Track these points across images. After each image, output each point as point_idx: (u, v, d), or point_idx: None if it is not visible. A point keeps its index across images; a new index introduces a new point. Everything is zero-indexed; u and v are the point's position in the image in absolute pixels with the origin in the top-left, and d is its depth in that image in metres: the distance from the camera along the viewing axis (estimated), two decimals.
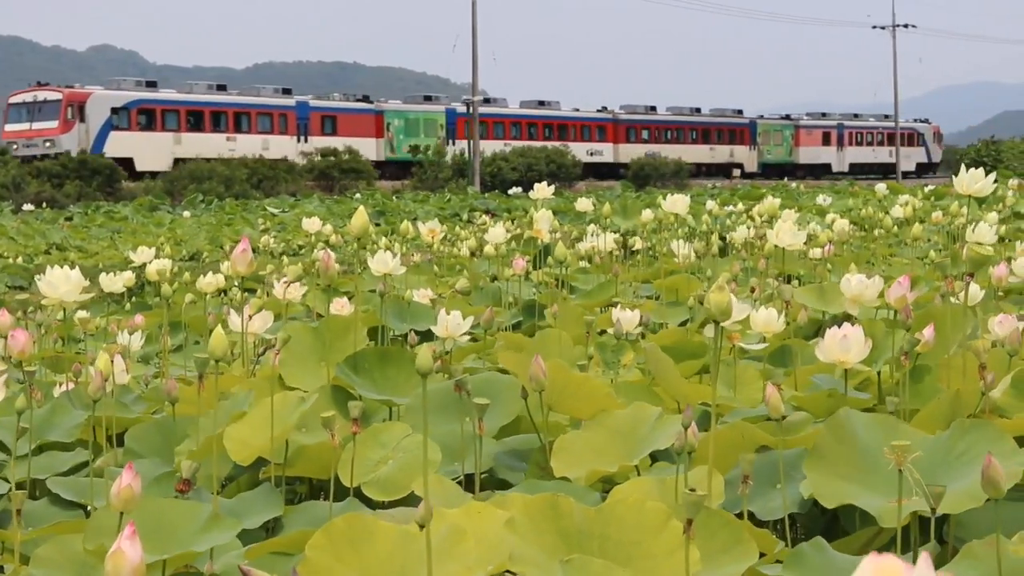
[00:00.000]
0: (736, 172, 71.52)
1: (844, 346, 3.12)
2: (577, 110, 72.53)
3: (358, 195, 44.69)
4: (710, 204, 11.13)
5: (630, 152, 68.92)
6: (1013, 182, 19.31)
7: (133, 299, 9.06)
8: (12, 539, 2.89)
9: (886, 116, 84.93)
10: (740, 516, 2.73)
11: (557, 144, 64.19)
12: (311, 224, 8.72)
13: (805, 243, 8.08)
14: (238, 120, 57.02)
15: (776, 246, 5.50)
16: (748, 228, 9.15)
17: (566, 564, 2.25)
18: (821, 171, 74.45)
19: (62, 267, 4.06)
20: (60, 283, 3.95)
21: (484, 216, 20.69)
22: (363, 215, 3.81)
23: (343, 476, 3.35)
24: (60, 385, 4.67)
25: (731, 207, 13.60)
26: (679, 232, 10.59)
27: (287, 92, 61.67)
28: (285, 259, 12.46)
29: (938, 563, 2.61)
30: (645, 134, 71.67)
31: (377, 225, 22.81)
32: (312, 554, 2.44)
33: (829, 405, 3.86)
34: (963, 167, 3.73)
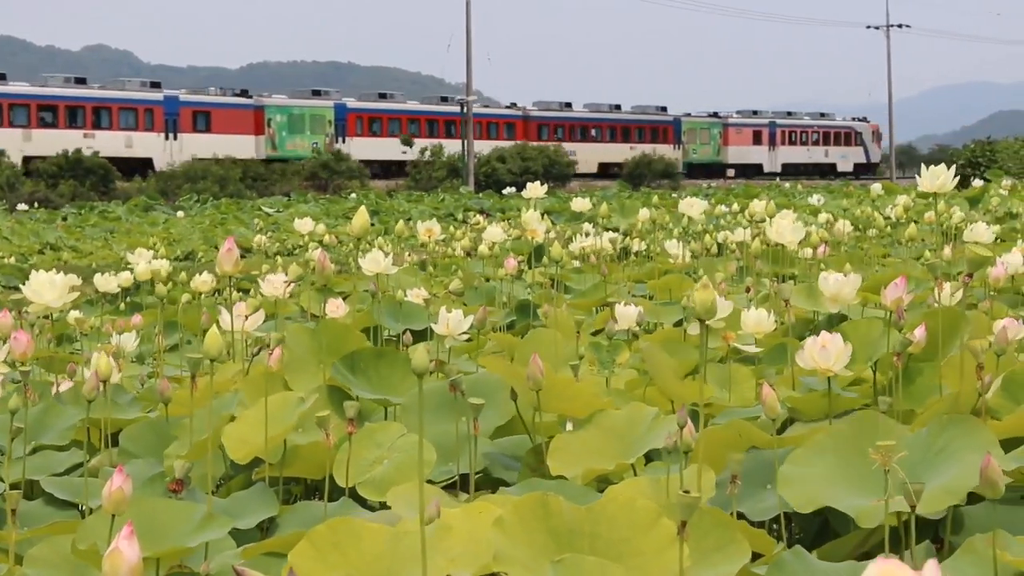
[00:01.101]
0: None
1: (824, 355, 3.13)
2: (487, 106, 69.77)
3: (352, 195, 44.66)
4: (704, 204, 11.12)
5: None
6: (1006, 182, 19.34)
7: (128, 299, 9.05)
8: (7, 539, 2.89)
9: (822, 114, 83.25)
10: (731, 516, 2.74)
11: (456, 142, 60.68)
12: (303, 225, 8.72)
13: (800, 243, 8.11)
14: (97, 115, 53.43)
15: (768, 246, 5.51)
16: (744, 228, 9.16)
17: (557, 564, 2.25)
18: (752, 171, 72.13)
19: (56, 268, 4.04)
20: (45, 289, 3.86)
21: (478, 216, 20.68)
22: (364, 215, 3.82)
23: (338, 476, 3.35)
24: (56, 385, 4.68)
25: (726, 207, 13.61)
26: (673, 232, 10.60)
27: (156, 86, 57.89)
28: (279, 259, 12.45)
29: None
30: (559, 132, 67.71)
31: (371, 225, 22.80)
32: (296, 561, 2.45)
33: (823, 405, 3.87)
34: (924, 166, 3.74)
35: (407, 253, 10.95)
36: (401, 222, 7.84)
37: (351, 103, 62.01)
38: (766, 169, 73.83)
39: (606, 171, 65.97)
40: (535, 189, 7.48)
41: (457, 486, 3.41)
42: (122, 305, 8.69)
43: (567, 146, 65.13)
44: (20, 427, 3.24)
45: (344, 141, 59.57)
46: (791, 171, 72.17)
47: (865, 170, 79.53)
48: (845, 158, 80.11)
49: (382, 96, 65.10)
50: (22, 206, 37.44)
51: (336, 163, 54.43)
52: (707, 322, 2.56)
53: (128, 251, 7.22)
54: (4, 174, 44.13)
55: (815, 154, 78.94)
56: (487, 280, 8.58)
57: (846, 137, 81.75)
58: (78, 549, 2.71)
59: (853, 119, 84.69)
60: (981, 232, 5.30)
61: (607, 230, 9.96)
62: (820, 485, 2.84)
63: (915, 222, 9.58)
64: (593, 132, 69.55)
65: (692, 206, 6.99)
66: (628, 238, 10.35)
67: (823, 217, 11.44)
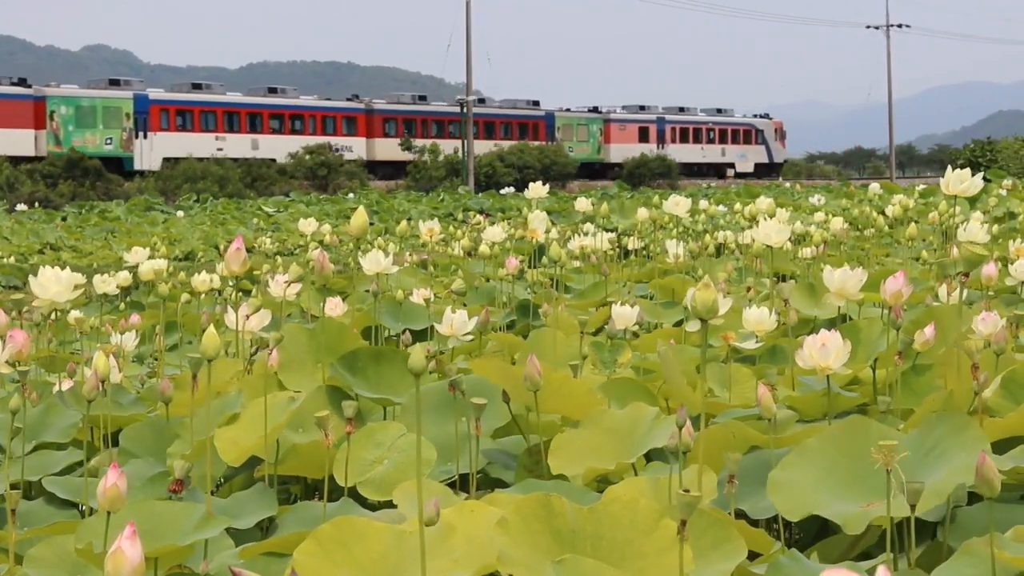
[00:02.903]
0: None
1: (824, 353, 3.13)
2: (329, 99, 63.64)
3: (351, 195, 44.65)
4: (688, 203, 11.13)
5: (389, 149, 60.17)
6: (1006, 182, 19.35)
7: (128, 299, 9.06)
8: (7, 539, 2.89)
9: (719, 110, 77.21)
10: (728, 515, 2.74)
11: (290, 137, 56.39)
12: (307, 225, 8.72)
13: (797, 243, 8.11)
14: None
15: (767, 246, 5.51)
16: (744, 228, 9.17)
17: (558, 565, 2.25)
18: None
19: (54, 267, 4.06)
20: (51, 284, 3.94)
21: (478, 216, 20.69)
22: (363, 215, 3.82)
23: (338, 476, 3.36)
24: (55, 385, 4.68)
25: (724, 207, 13.61)
26: (673, 232, 10.60)
27: None
28: (279, 259, 12.46)
29: (932, 563, 2.62)
30: (408, 127, 62.03)
31: (370, 224, 22.81)
32: (301, 559, 2.45)
33: (823, 405, 3.87)
34: (949, 168, 3.75)
35: (407, 253, 10.95)
36: (404, 222, 7.84)
37: (154, 94, 55.50)
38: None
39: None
40: (537, 189, 7.49)
41: (457, 486, 3.42)
42: (122, 305, 8.69)
43: (420, 143, 60.23)
44: (19, 427, 3.24)
45: (146, 137, 53.45)
46: (684, 171, 66.17)
47: (768, 171, 73.34)
48: (744, 158, 74.06)
49: (196, 87, 58.42)
50: (21, 206, 37.44)
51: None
52: (708, 321, 2.56)
53: (127, 251, 7.22)
54: (4, 174, 44.11)
55: (710, 153, 73.08)
56: (487, 280, 8.59)
57: (746, 135, 75.54)
58: (78, 549, 2.71)
59: (755, 116, 78.82)
60: (975, 231, 5.30)
61: (607, 230, 9.97)
62: (809, 491, 2.81)
63: (915, 222, 9.57)
64: (450, 128, 63.13)
65: (678, 205, 6.99)
66: (627, 237, 10.35)
67: (819, 216, 11.45)
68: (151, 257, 6.74)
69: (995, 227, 10.38)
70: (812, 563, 2.49)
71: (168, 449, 3.65)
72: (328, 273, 4.03)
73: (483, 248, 7.87)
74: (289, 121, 58.50)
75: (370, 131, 60.88)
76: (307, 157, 54.61)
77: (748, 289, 6.18)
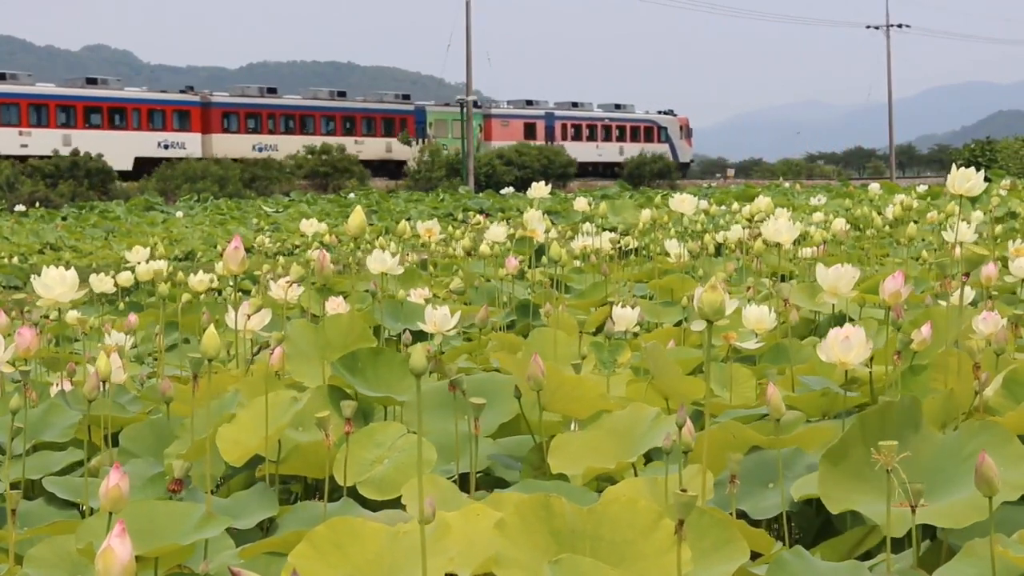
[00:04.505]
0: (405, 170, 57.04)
1: (846, 347, 3.12)
2: (164, 91, 57.07)
3: (352, 194, 44.62)
4: (695, 202, 11.13)
5: (230, 146, 54.35)
6: (1005, 182, 19.35)
7: (128, 298, 9.06)
8: (7, 539, 2.89)
9: (617, 105, 72.24)
10: (730, 515, 2.74)
11: (110, 133, 50.86)
12: (308, 226, 8.72)
13: (797, 243, 8.11)
14: None
15: (767, 245, 5.51)
16: (744, 228, 9.17)
17: (555, 565, 2.25)
18: None
19: (56, 267, 4.07)
20: (55, 284, 3.95)
21: (478, 216, 20.69)
22: (360, 215, 3.82)
23: (338, 476, 3.36)
24: (55, 384, 4.68)
25: (724, 207, 13.61)
26: (672, 232, 10.60)
27: None
28: (280, 259, 12.45)
29: (932, 563, 2.62)
30: (252, 123, 56.54)
31: (370, 224, 22.80)
32: (297, 561, 2.45)
33: (823, 405, 3.87)
34: (954, 167, 3.75)
35: (407, 253, 10.95)
36: (403, 222, 7.83)
37: None
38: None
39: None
40: (539, 189, 7.49)
41: (457, 486, 3.41)
42: (121, 305, 8.69)
43: (268, 139, 55.84)
44: (20, 427, 3.24)
45: None
46: (578, 171, 61.37)
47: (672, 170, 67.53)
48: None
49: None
50: (21, 206, 37.45)
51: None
52: (712, 322, 2.56)
53: (127, 251, 7.22)
54: (3, 174, 44.10)
55: (607, 152, 67.66)
56: (487, 280, 8.59)
57: (647, 133, 70.22)
58: (79, 549, 2.71)
59: (658, 112, 73.60)
60: (964, 232, 5.30)
61: (607, 230, 9.96)
62: (850, 485, 2.78)
63: (915, 222, 9.57)
64: (305, 123, 58.25)
65: (684, 203, 6.99)
66: (625, 237, 10.35)
67: (818, 216, 11.44)
68: (151, 258, 6.73)
69: (998, 227, 10.38)
70: (816, 560, 2.48)
71: (166, 450, 3.65)
72: (328, 273, 4.03)
73: (483, 248, 7.87)
74: (108, 115, 52.44)
75: (206, 126, 55.21)
76: (309, 157, 54.44)
77: (748, 289, 6.18)
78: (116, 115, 52.71)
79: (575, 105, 70.09)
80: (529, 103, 68.47)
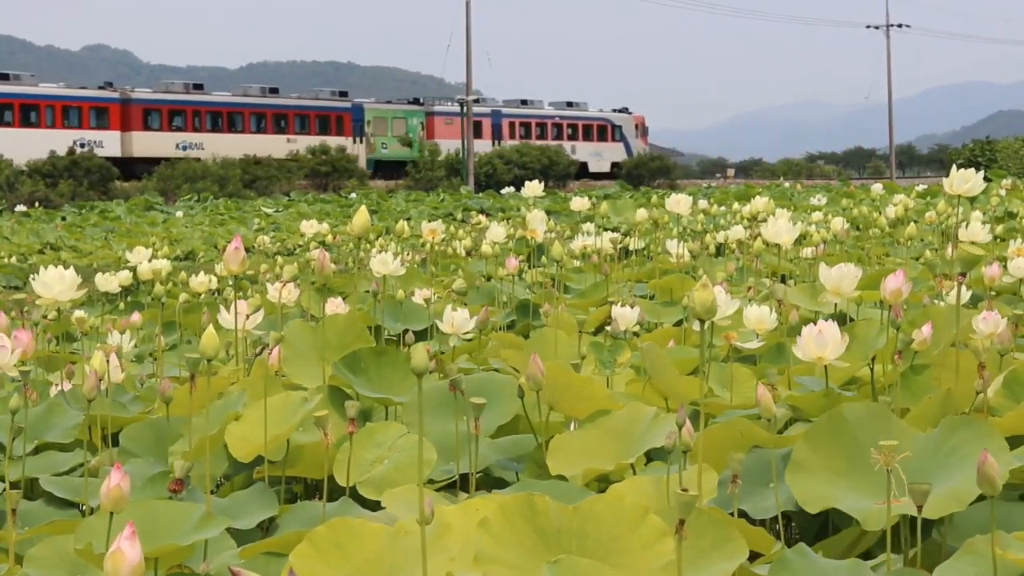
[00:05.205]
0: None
1: (820, 342, 3.13)
2: (83, 88, 54.23)
3: (353, 194, 44.59)
4: (691, 202, 11.14)
5: (152, 144, 51.94)
6: (1006, 182, 19.36)
7: (128, 298, 9.06)
8: (7, 539, 2.89)
9: (570, 103, 69.52)
10: (732, 515, 2.74)
11: (22, 131, 48.43)
12: (308, 226, 8.72)
13: (797, 243, 8.11)
14: None
15: (767, 244, 5.52)
16: (744, 228, 9.17)
17: (553, 565, 2.25)
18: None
19: (56, 267, 4.07)
20: (55, 283, 3.96)
21: (479, 216, 20.68)
22: (364, 214, 3.83)
23: (338, 476, 3.36)
24: (55, 385, 4.68)
25: (724, 207, 13.61)
26: (673, 232, 10.60)
27: None
28: (280, 259, 12.45)
29: (931, 562, 2.62)
30: (178, 120, 53.80)
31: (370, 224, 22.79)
32: (297, 561, 2.45)
33: (823, 404, 3.87)
34: (953, 167, 3.75)
35: (407, 252, 10.95)
36: (403, 222, 7.84)
37: None
38: None
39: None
40: (533, 188, 7.49)
41: (457, 486, 3.42)
42: (121, 305, 8.69)
43: (194, 137, 53.21)
44: (20, 427, 3.24)
45: None
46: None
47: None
48: (599, 156, 66.10)
49: None
50: (21, 206, 37.45)
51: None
52: (711, 320, 2.56)
53: (127, 251, 7.22)
54: (3, 174, 44.11)
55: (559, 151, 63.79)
56: (488, 279, 8.59)
57: (600, 131, 67.27)
58: (78, 549, 2.71)
59: (613, 110, 70.39)
60: (977, 232, 5.30)
61: (608, 230, 9.96)
62: (827, 483, 2.83)
63: (915, 222, 9.58)
64: (234, 121, 55.47)
65: (679, 203, 7.00)
66: (626, 237, 10.36)
67: (817, 216, 11.44)
68: (152, 257, 6.74)
69: (999, 227, 10.38)
70: (819, 558, 2.48)
71: (171, 448, 3.66)
72: (328, 273, 4.03)
73: (484, 248, 7.87)
74: (20, 112, 49.63)
75: (126, 124, 52.31)
76: (309, 157, 54.35)
77: (748, 289, 6.18)
78: (30, 112, 50.13)
79: (524, 103, 67.60)
80: (476, 101, 64.01)
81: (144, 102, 53.33)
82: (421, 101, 63.88)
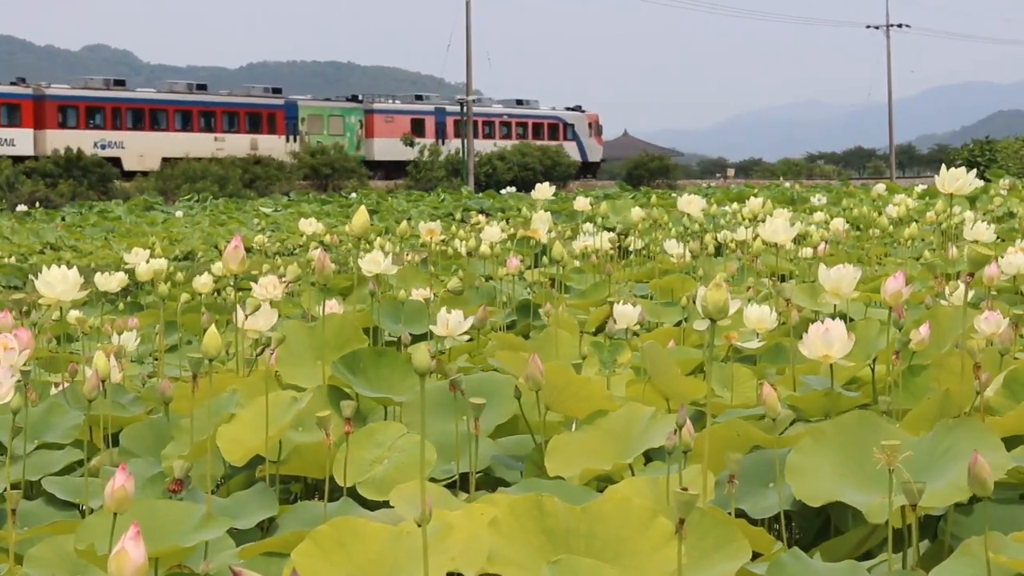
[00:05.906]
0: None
1: (826, 340, 3.13)
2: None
3: (353, 194, 44.59)
4: (703, 203, 11.13)
5: (67, 143, 48.53)
6: (1004, 182, 19.35)
7: (128, 299, 9.06)
8: (7, 539, 2.89)
9: (519, 101, 67.71)
10: (729, 515, 2.74)
11: None
12: (307, 225, 8.72)
13: (797, 243, 8.11)
14: None
15: (767, 245, 5.51)
16: (744, 228, 9.16)
17: (554, 565, 2.25)
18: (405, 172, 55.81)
19: (57, 267, 4.06)
20: (57, 283, 3.95)
21: (479, 216, 20.67)
22: (364, 214, 3.82)
23: (338, 476, 3.36)
24: (56, 385, 4.68)
25: (725, 207, 13.60)
26: (673, 231, 10.59)
27: None
28: (279, 259, 12.45)
29: (933, 561, 2.62)
30: (98, 118, 51.41)
31: (370, 224, 22.79)
32: (300, 560, 2.45)
33: (824, 404, 3.87)
34: (943, 167, 3.76)
35: (406, 252, 10.95)
36: (404, 222, 7.83)
37: None
38: None
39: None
40: (543, 190, 7.50)
41: (457, 485, 3.42)
42: (121, 305, 8.69)
43: (113, 136, 50.99)
44: (20, 427, 3.24)
45: None
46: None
47: (583, 171, 63.10)
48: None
49: None
50: (21, 206, 37.44)
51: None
52: (716, 321, 2.56)
53: (127, 251, 7.22)
54: (3, 174, 44.08)
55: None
56: (488, 279, 8.58)
57: (552, 130, 65.19)
58: (78, 549, 2.71)
59: (565, 108, 68.37)
60: (982, 231, 5.29)
61: (607, 230, 9.96)
62: (827, 480, 2.84)
63: (915, 221, 9.57)
64: (157, 119, 52.97)
65: (691, 203, 6.99)
66: (626, 237, 10.35)
67: (818, 216, 11.43)
68: (152, 257, 6.73)
69: (999, 227, 10.38)
70: (814, 561, 2.48)
71: (163, 451, 3.65)
72: (329, 273, 4.02)
73: (484, 248, 7.87)
74: None
75: (40, 121, 49.80)
76: (309, 157, 54.30)
77: (748, 289, 6.18)
78: None
79: (476, 102, 63.47)
80: (418, 98, 64.14)
81: (59, 99, 50.91)
82: (360, 98, 61.62)
